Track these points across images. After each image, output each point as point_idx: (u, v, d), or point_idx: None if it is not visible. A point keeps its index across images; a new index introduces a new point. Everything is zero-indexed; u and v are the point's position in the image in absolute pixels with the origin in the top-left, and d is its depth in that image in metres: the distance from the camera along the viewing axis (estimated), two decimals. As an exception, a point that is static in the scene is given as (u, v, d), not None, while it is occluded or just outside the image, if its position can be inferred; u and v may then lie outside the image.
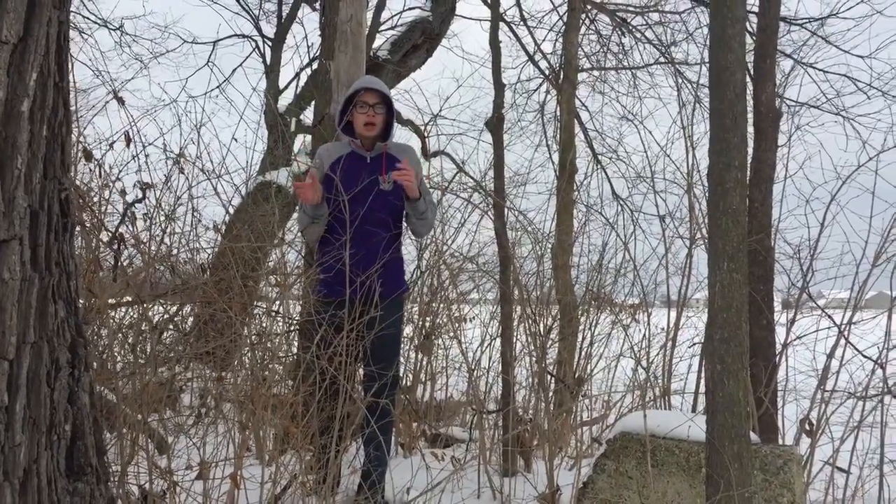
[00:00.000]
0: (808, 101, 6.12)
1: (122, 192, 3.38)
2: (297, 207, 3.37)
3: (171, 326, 4.07)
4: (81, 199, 3.06)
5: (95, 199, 3.36)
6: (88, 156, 2.99)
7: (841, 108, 6.28)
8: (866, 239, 3.43)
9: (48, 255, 1.52)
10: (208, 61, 8.94)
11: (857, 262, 3.46)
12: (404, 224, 3.40)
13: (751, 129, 3.55)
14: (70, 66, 1.77)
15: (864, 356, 3.44)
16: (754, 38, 3.76)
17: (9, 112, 1.43)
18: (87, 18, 8.19)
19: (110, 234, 3.08)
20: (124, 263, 3.34)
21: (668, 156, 4.37)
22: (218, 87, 8.71)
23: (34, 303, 1.47)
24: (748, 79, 3.48)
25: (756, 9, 3.74)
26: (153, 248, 3.59)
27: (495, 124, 4.20)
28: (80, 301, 2.55)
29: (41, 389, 1.48)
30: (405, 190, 3.18)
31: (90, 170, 3.38)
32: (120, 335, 3.44)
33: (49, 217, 1.53)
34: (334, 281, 3.18)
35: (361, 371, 3.34)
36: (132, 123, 3.32)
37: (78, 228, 2.95)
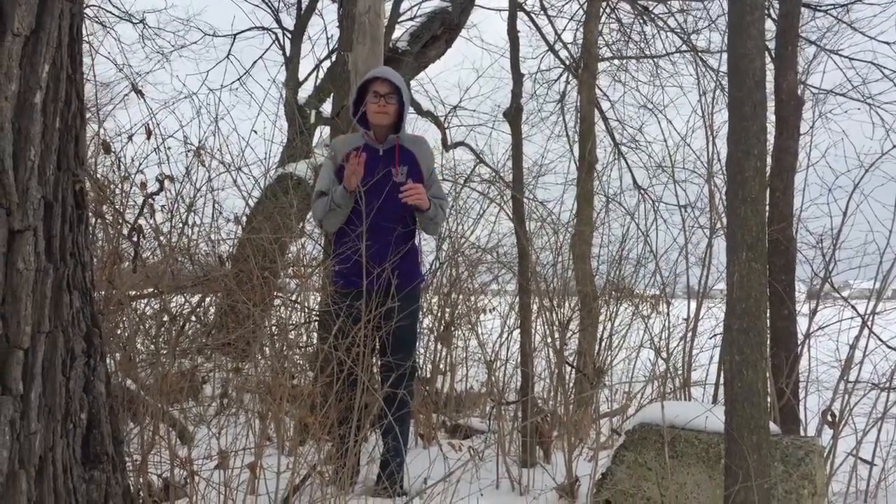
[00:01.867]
0: (833, 89, 6.03)
1: (143, 185, 3.41)
2: (314, 196, 3.38)
3: (192, 318, 4.11)
4: (101, 192, 3.10)
5: (116, 192, 3.39)
6: (107, 148, 3.02)
7: (867, 95, 6.18)
8: (891, 228, 3.38)
9: (63, 245, 1.54)
10: (228, 54, 8.99)
11: (881, 251, 3.41)
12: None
13: (772, 117, 3.51)
14: (92, 60, 1.78)
15: (889, 346, 3.39)
16: (776, 24, 3.71)
17: (22, 104, 1.45)
18: (110, 13, 8.26)
19: (129, 226, 3.11)
20: (144, 255, 3.37)
21: (689, 145, 4.32)
22: (238, 79, 8.75)
23: (49, 293, 1.49)
24: (770, 65, 3.43)
25: (778, -6, 3.68)
26: (173, 239, 3.62)
27: (514, 115, 4.17)
28: (101, 292, 2.58)
29: (56, 378, 1.49)
30: (416, 205, 3.22)
31: (111, 163, 3.41)
32: (142, 326, 3.47)
33: (63, 208, 1.54)
34: (351, 272, 3.19)
35: (379, 362, 3.35)
36: (151, 115, 3.35)
37: (98, 221, 2.98)
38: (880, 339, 3.41)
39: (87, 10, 7.68)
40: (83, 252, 1.62)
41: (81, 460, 1.57)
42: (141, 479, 2.44)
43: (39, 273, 1.47)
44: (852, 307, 3.48)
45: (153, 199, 3.22)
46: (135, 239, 3.06)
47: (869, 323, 3.40)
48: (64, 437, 1.51)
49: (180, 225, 3.75)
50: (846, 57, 6.31)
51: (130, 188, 3.44)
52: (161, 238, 3.46)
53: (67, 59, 1.56)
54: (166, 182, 3.47)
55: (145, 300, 3.58)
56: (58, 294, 1.51)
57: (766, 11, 2.54)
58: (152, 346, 3.40)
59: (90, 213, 2.76)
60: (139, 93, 3.19)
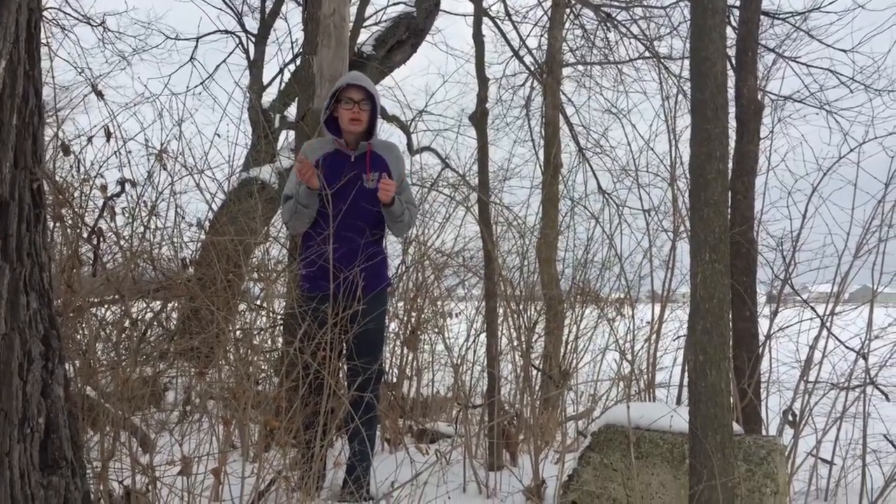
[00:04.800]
0: (792, 95, 6.15)
1: (103, 188, 3.35)
2: (281, 199, 3.35)
3: (155, 323, 4.05)
4: (61, 195, 3.03)
5: (76, 195, 3.33)
6: (66, 150, 2.96)
7: (824, 101, 6.31)
8: (848, 230, 3.44)
9: (19, 245, 1.50)
10: (191, 58, 8.89)
11: (840, 253, 3.47)
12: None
13: (733, 122, 3.56)
14: (51, 62, 1.75)
15: (847, 347, 3.45)
16: (736, 31, 3.77)
17: (-23, 100, 1.41)
18: (69, 15, 8.12)
19: (89, 229, 3.05)
20: (105, 259, 3.31)
21: (652, 149, 4.37)
22: (201, 83, 8.66)
23: (5, 294, 1.45)
24: (731, 71, 3.48)
25: (738, 2, 3.73)
26: (134, 243, 3.56)
27: (479, 118, 4.18)
28: (60, 299, 2.52)
29: (13, 381, 1.45)
30: (380, 196, 3.18)
31: (70, 165, 3.35)
32: (102, 333, 3.41)
33: (20, 207, 1.50)
34: (317, 276, 3.17)
35: (345, 366, 3.33)
36: (112, 117, 3.30)
37: (57, 224, 2.92)
38: (839, 340, 3.47)
39: (45, 13, 7.55)
40: (41, 252, 1.58)
41: (39, 465, 1.53)
42: (101, 487, 2.39)
43: (-5, 273, 1.44)
44: (812, 308, 3.55)
45: (114, 202, 3.16)
46: (95, 242, 3.00)
47: (828, 324, 3.46)
48: (21, 442, 1.47)
49: (141, 229, 3.69)
50: (804, 64, 6.44)
51: (90, 191, 3.38)
52: (122, 242, 3.40)
53: (25, 54, 1.52)
54: (127, 186, 3.41)
55: (105, 306, 3.51)
56: (14, 295, 1.48)
57: (726, 17, 2.57)
58: (113, 353, 3.34)
59: (49, 216, 2.71)
60: (99, 94, 3.14)
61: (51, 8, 7.74)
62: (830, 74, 6.35)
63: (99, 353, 3.28)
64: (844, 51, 6.25)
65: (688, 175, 2.66)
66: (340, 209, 3.14)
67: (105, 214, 3.14)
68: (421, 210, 5.15)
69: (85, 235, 3.08)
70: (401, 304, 4.94)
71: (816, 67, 6.43)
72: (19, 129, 1.51)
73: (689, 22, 2.48)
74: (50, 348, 1.58)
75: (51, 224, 2.94)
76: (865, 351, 3.38)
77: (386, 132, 7.79)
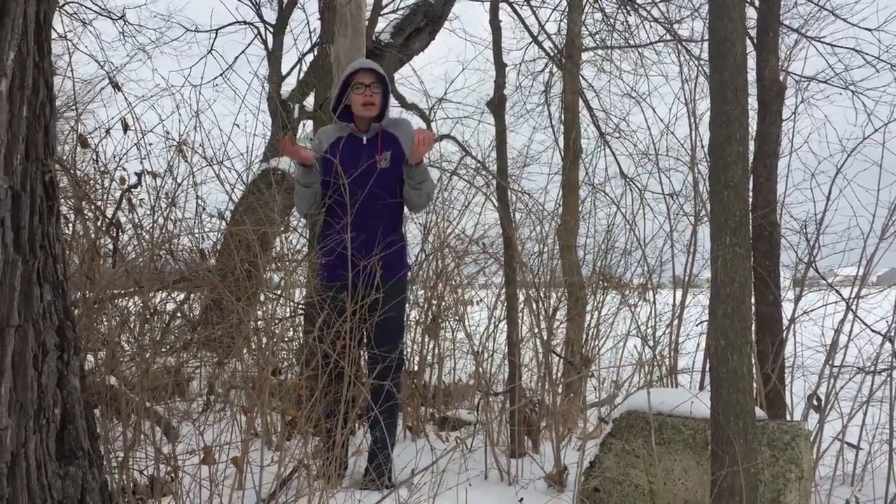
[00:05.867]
0: (815, 76, 6.03)
1: (122, 180, 3.37)
2: (295, 185, 3.36)
3: (178, 314, 4.08)
4: (80, 188, 3.05)
5: (96, 188, 3.35)
6: (84, 142, 2.97)
7: (849, 81, 6.17)
8: (873, 212, 3.38)
9: (32, 237, 1.50)
10: (210, 49, 8.91)
11: (865, 236, 3.40)
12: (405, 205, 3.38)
13: (755, 103, 3.50)
14: (70, 56, 1.74)
15: (873, 330, 3.39)
16: (757, 10, 3.70)
17: (-14, 92, 1.41)
18: (89, 9, 8.18)
19: (108, 221, 3.07)
20: (127, 250, 3.33)
21: (672, 133, 4.31)
22: (221, 74, 8.68)
23: (18, 286, 1.45)
24: (752, 52, 3.42)
25: (759, -20, 3.66)
26: (155, 234, 3.58)
27: (496, 105, 4.15)
28: (79, 292, 2.54)
29: (27, 373, 1.46)
30: (411, 155, 3.15)
31: (92, 160, 3.37)
32: (126, 324, 3.44)
33: (32, 199, 1.50)
34: (336, 265, 3.17)
35: (366, 354, 3.33)
36: (130, 109, 3.31)
37: (77, 216, 2.94)
38: (864, 324, 3.41)
39: (66, 7, 7.61)
40: (54, 244, 1.59)
41: (56, 456, 1.54)
42: (124, 476, 2.41)
43: (8, 265, 1.44)
44: (836, 292, 3.49)
45: (131, 193, 3.18)
46: (113, 234, 3.02)
47: (853, 307, 3.40)
48: (37, 433, 1.48)
49: (161, 220, 3.71)
50: (828, 44, 6.30)
51: (110, 184, 3.40)
52: (141, 232, 3.42)
53: (34, 45, 1.52)
54: (149, 178, 3.43)
55: (128, 297, 3.53)
56: (28, 287, 1.48)
57: (746, -4, 2.52)
58: (136, 343, 3.37)
59: (69, 209, 2.73)
60: (116, 86, 3.15)
61: (71, 2, 7.80)
62: (855, 54, 6.21)
63: (124, 343, 3.32)
64: (870, 29, 6.11)
65: (708, 157, 2.62)
66: (358, 198, 3.13)
67: (123, 206, 3.15)
68: (440, 197, 5.13)
69: (104, 228, 3.10)
70: (421, 291, 4.93)
71: (841, 47, 6.29)
72: (30, 120, 1.51)
73: (708, 2, 2.43)
74: (65, 339, 1.59)
75: (71, 217, 2.96)
76: (892, 334, 3.32)
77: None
